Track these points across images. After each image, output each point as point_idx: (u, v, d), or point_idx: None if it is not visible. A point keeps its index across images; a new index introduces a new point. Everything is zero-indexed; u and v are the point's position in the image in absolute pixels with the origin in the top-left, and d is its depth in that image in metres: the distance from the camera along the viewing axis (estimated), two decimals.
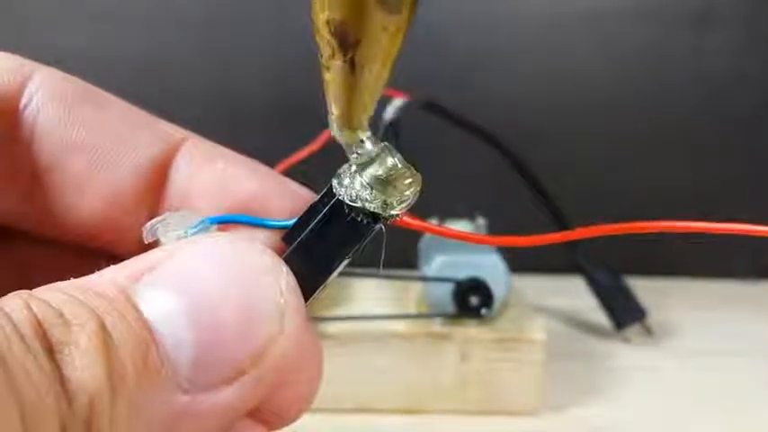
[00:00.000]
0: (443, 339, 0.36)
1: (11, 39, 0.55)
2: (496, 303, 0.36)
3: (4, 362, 0.11)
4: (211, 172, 0.19)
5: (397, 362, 0.36)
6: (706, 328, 0.49)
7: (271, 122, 0.58)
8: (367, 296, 0.41)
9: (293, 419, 0.18)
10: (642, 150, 0.60)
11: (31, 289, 0.13)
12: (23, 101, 0.18)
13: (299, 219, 0.17)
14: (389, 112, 0.38)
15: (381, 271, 0.18)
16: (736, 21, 0.58)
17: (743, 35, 0.58)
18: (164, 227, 0.17)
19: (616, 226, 0.16)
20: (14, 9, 0.57)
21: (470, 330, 0.36)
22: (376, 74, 0.15)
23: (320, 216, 0.17)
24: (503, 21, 0.58)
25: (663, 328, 0.48)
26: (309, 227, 0.17)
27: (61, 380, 0.12)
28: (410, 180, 0.17)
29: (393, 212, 0.17)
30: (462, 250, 0.38)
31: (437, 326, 0.36)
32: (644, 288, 0.48)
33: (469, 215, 0.44)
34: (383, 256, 0.18)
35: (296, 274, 0.16)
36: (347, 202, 0.17)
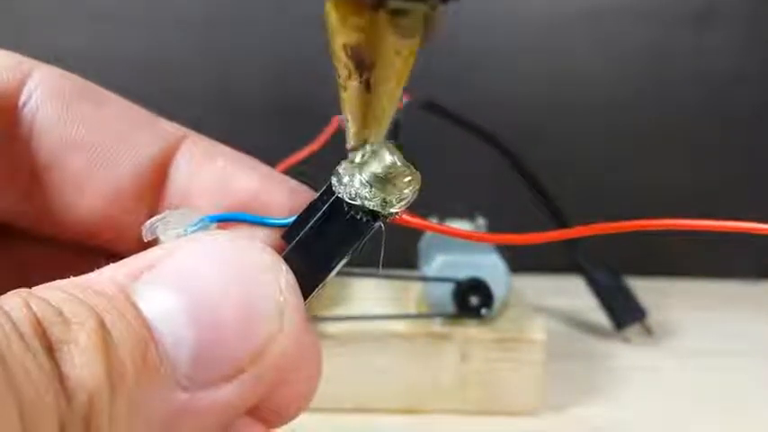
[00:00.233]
0: (443, 339, 0.36)
1: (11, 39, 0.55)
2: (496, 303, 0.36)
3: (3, 360, 0.11)
4: (211, 170, 0.19)
5: (397, 362, 0.36)
6: (706, 328, 0.49)
7: (271, 122, 0.58)
8: (367, 296, 0.41)
9: (292, 418, 0.18)
10: (642, 150, 0.60)
11: (30, 287, 0.13)
12: (22, 98, 0.18)
13: (299, 217, 0.17)
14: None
15: (381, 270, 0.18)
16: (737, 20, 0.58)
17: (743, 35, 0.58)
18: (163, 225, 0.17)
19: (615, 224, 0.16)
20: (14, 9, 0.57)
21: (470, 330, 0.36)
22: (390, 93, 0.16)
23: (319, 214, 0.17)
24: (502, 20, 0.58)
25: (663, 328, 0.48)
26: (309, 225, 0.17)
27: (60, 378, 0.12)
28: (409, 178, 0.17)
29: (392, 210, 0.17)
30: (462, 250, 0.38)
31: (437, 326, 0.36)
32: (644, 288, 0.48)
33: (469, 215, 0.44)
34: (382, 255, 0.18)
35: (295, 272, 0.16)
36: (346, 199, 0.17)
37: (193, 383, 0.14)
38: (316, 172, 0.18)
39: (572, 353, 0.45)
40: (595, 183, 0.59)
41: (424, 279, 0.38)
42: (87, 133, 0.18)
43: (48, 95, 0.18)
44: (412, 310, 0.39)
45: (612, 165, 0.60)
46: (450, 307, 0.36)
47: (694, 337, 0.47)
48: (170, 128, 0.19)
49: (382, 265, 0.18)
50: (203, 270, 0.15)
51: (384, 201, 0.17)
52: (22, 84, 0.18)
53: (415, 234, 0.41)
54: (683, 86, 0.59)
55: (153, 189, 0.18)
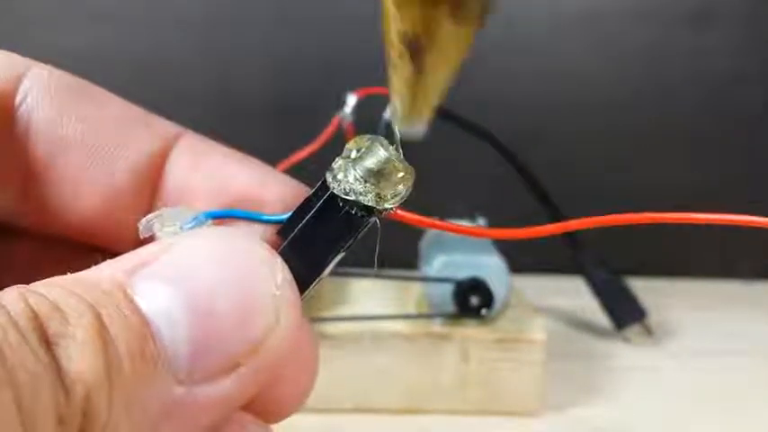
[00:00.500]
0: (443, 339, 0.36)
1: (11, 39, 0.55)
2: (496, 303, 0.36)
3: (0, 354, 0.11)
4: (207, 167, 0.19)
5: (397, 362, 0.36)
6: (706, 328, 0.49)
7: (271, 122, 0.58)
8: (367, 296, 0.41)
9: (289, 413, 0.18)
10: (642, 150, 0.60)
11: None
12: (18, 98, 0.18)
13: (294, 213, 0.18)
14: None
15: (378, 268, 0.18)
16: (736, 20, 0.58)
17: (742, 35, 0.59)
18: (159, 222, 0.17)
19: (611, 217, 0.16)
20: (14, 9, 0.57)
21: (470, 330, 0.36)
22: (442, 77, 0.16)
23: (314, 210, 0.17)
24: (502, 20, 0.58)
25: (663, 328, 0.48)
26: (304, 221, 0.17)
27: (58, 372, 0.12)
28: (403, 174, 0.17)
29: (387, 206, 0.17)
30: (463, 250, 0.38)
31: (437, 326, 0.36)
32: (644, 288, 0.48)
33: (469, 215, 0.44)
34: (377, 250, 0.18)
35: (291, 267, 0.16)
36: (341, 195, 0.17)
37: (191, 377, 0.14)
38: (316, 172, 0.18)
39: (572, 353, 0.45)
40: (595, 183, 0.59)
41: (424, 279, 0.38)
42: (83, 132, 0.18)
43: (44, 95, 0.18)
44: (412, 310, 0.39)
45: (612, 165, 0.60)
46: (451, 307, 0.36)
47: (694, 337, 0.47)
48: (165, 126, 0.19)
49: (381, 265, 0.18)
50: (200, 265, 0.15)
51: (378, 196, 0.17)
52: (18, 83, 0.18)
53: (416, 234, 0.41)
54: (682, 86, 0.59)
55: (149, 187, 0.19)
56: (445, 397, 0.36)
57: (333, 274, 0.18)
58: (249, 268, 0.15)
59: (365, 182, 0.17)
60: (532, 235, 0.17)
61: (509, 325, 0.37)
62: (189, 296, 0.14)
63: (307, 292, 0.17)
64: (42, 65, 0.18)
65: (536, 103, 0.59)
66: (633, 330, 0.47)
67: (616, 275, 0.47)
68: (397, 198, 0.17)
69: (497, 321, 0.37)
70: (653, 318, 0.47)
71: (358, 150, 0.17)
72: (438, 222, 0.19)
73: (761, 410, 0.38)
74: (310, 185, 0.19)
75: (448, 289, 0.36)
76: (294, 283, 0.16)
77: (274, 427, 0.17)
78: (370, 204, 0.17)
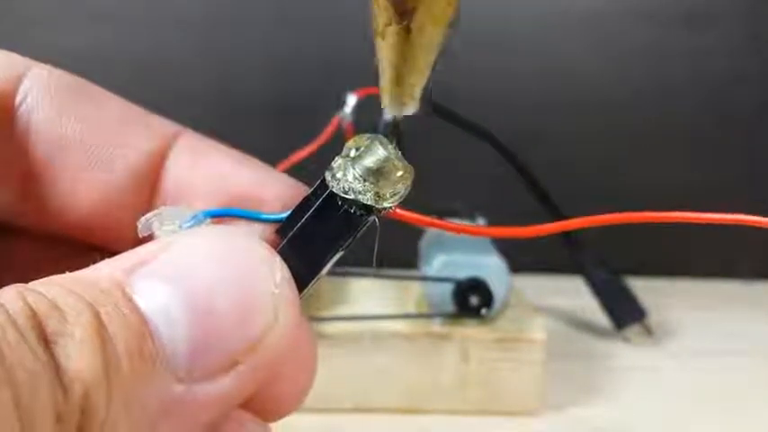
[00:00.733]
0: (443, 339, 0.36)
1: (11, 39, 0.55)
2: (496, 303, 0.36)
3: None
4: (205, 166, 0.19)
5: (397, 362, 0.36)
6: (706, 328, 0.49)
7: (271, 122, 0.58)
8: (367, 296, 0.41)
9: (288, 412, 0.18)
10: (641, 150, 0.60)
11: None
12: (18, 98, 0.18)
13: (293, 212, 0.18)
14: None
15: (377, 267, 0.18)
16: (736, 20, 0.58)
17: (742, 35, 0.58)
18: (158, 221, 0.17)
19: (611, 217, 0.16)
20: (14, 9, 0.57)
21: (470, 330, 0.36)
22: (430, 38, 0.16)
23: (313, 209, 0.17)
24: (501, 20, 0.58)
25: (663, 328, 0.48)
26: (303, 220, 0.17)
27: (57, 370, 0.12)
28: (402, 172, 0.17)
29: (386, 205, 0.17)
30: (462, 250, 0.38)
31: (437, 326, 0.36)
32: (644, 288, 0.48)
33: (469, 215, 0.44)
34: (377, 250, 0.18)
35: (290, 266, 0.16)
36: (340, 194, 0.17)
37: (189, 375, 0.14)
38: (315, 172, 0.18)
39: (572, 353, 0.45)
40: (595, 183, 0.59)
41: (424, 279, 0.38)
42: (82, 131, 0.18)
43: (43, 94, 0.18)
44: (412, 309, 0.39)
45: (612, 165, 0.60)
46: (450, 307, 0.36)
47: (694, 337, 0.47)
48: (164, 125, 0.19)
49: (381, 264, 0.18)
50: (199, 264, 0.15)
51: (377, 195, 0.17)
52: (18, 83, 0.18)
53: (416, 234, 0.41)
54: (682, 86, 0.59)
55: (148, 186, 0.19)
56: (445, 397, 0.36)
57: (332, 273, 0.18)
58: (248, 267, 0.15)
59: (364, 181, 0.17)
60: (532, 234, 0.17)
61: (509, 325, 0.37)
62: (188, 295, 0.14)
63: (305, 291, 0.17)
64: (42, 65, 0.18)
65: (536, 103, 0.59)
66: (633, 330, 0.47)
67: (616, 275, 0.47)
68: (397, 197, 0.17)
69: (497, 321, 0.37)
70: (653, 318, 0.47)
71: (357, 149, 0.17)
72: (437, 221, 0.19)
73: (761, 410, 0.38)
74: (310, 185, 0.19)
75: (448, 289, 0.36)
76: (293, 281, 0.16)
77: (273, 426, 0.18)
78: (369, 203, 0.17)
